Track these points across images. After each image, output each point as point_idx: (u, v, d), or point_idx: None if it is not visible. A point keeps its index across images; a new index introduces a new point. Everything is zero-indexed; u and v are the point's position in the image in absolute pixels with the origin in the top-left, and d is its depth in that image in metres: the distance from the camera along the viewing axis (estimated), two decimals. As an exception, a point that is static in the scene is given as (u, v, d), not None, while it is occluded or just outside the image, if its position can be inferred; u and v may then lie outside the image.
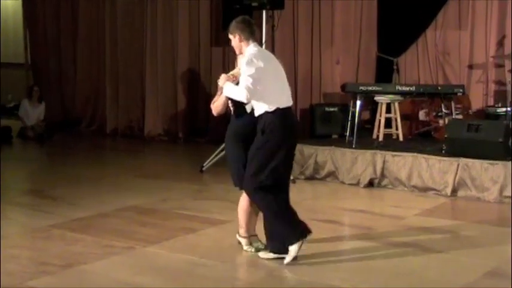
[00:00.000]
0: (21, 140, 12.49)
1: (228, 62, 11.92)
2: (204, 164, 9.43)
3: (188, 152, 11.78)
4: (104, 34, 13.48)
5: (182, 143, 12.35)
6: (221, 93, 5.46)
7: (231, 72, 5.53)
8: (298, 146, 7.49)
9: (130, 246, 5.88)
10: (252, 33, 5.42)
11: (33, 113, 12.77)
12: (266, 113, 5.25)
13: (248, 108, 5.46)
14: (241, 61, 5.36)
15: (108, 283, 5.00)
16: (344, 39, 11.00)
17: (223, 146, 9.57)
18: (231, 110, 5.62)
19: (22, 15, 15.18)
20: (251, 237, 5.71)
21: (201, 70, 12.44)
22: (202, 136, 12.20)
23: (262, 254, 5.51)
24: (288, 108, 5.36)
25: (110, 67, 13.42)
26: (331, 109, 10.04)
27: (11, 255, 5.55)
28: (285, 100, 5.38)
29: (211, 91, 12.25)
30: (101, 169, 9.84)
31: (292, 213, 5.39)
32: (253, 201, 5.45)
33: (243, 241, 5.72)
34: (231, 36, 5.47)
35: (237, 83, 5.31)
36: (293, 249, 5.31)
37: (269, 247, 5.51)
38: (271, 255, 5.45)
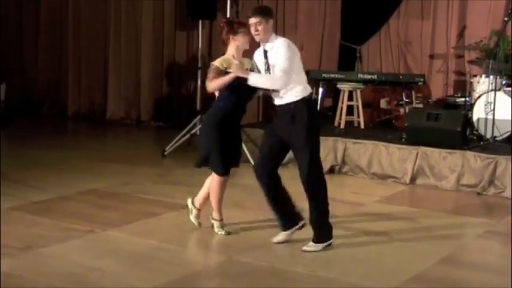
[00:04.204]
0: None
1: (192, 46, 11.92)
2: (166, 149, 9.42)
3: (150, 136, 11.76)
4: (66, 16, 13.31)
5: (144, 127, 12.31)
6: (214, 76, 5.49)
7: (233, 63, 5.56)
8: (261, 133, 7.55)
9: (90, 229, 5.88)
10: None
11: (-8, 94, 12.60)
12: (297, 101, 5.38)
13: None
14: (277, 49, 5.37)
15: (68, 266, 5.00)
16: (308, 26, 11.05)
17: (185, 130, 9.63)
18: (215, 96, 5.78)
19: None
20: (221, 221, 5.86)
21: (165, 54, 12.37)
22: (165, 120, 12.18)
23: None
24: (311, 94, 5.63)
25: (73, 49, 13.27)
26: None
27: (-30, 237, 5.52)
28: (309, 88, 5.60)
29: (174, 75, 12.24)
30: (62, 152, 9.76)
31: None
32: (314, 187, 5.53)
33: (216, 223, 5.84)
34: (263, 20, 5.41)
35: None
36: None
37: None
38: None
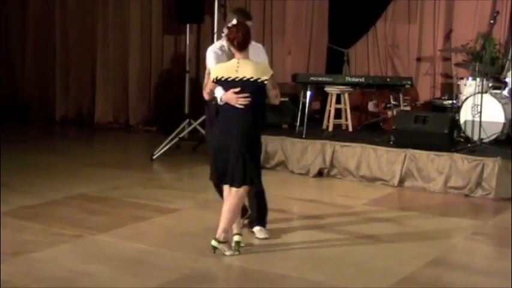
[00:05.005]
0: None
1: (180, 50, 11.91)
2: (155, 153, 9.42)
3: (139, 141, 11.74)
4: (54, 19, 13.28)
5: (133, 131, 12.29)
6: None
7: None
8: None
9: (79, 234, 5.87)
10: None
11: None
12: None
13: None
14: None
15: (57, 271, 4.99)
16: (295, 30, 11.08)
17: (173, 134, 9.63)
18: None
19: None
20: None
21: (153, 58, 12.37)
22: (153, 125, 12.17)
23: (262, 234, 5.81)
24: None
25: (60, 53, 13.24)
26: (282, 99, 9.99)
27: (-42, 243, 5.50)
28: None
29: (162, 79, 12.24)
30: (50, 157, 9.74)
31: None
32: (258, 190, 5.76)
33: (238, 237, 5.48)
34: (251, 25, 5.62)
35: None
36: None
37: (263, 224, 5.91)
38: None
